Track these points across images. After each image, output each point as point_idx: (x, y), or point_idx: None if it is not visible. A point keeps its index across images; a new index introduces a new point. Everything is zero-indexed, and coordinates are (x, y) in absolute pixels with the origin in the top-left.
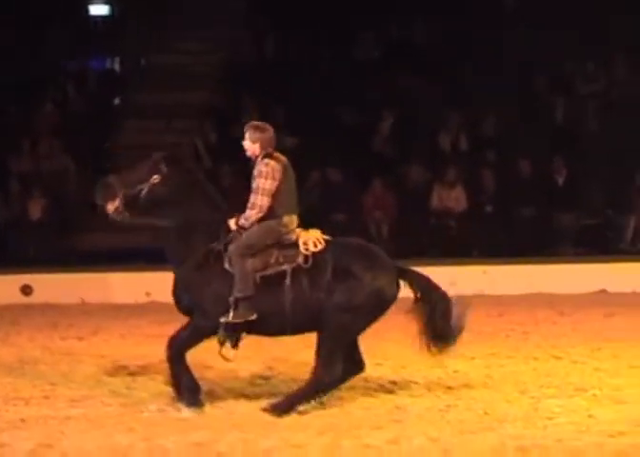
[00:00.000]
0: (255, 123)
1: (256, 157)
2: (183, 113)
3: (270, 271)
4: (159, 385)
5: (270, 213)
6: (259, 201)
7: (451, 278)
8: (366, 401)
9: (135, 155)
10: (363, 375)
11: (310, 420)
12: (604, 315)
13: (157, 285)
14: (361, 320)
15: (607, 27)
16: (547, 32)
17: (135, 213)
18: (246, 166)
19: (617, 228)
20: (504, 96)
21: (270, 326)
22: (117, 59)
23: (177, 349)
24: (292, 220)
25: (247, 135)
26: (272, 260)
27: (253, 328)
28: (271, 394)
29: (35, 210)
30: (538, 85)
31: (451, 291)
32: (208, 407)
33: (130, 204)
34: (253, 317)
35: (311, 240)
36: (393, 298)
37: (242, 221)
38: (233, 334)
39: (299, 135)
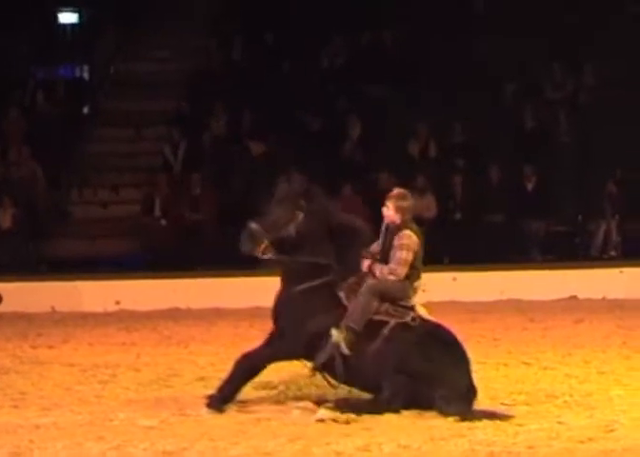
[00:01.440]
0: (398, 192)
1: (396, 224)
2: (152, 121)
3: (375, 318)
4: (129, 393)
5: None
6: (400, 271)
7: (422, 285)
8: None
9: (104, 163)
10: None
11: (279, 428)
12: (574, 321)
13: (127, 293)
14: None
15: (574, 32)
16: (515, 39)
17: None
18: (215, 173)
19: (587, 235)
20: (473, 103)
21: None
22: (86, 67)
23: (256, 363)
24: (420, 286)
25: (390, 203)
26: (382, 309)
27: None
28: (240, 402)
29: (5, 219)
30: (507, 91)
31: (422, 298)
32: (176, 416)
33: (278, 246)
34: (347, 352)
35: (426, 312)
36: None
37: (377, 273)
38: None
39: (267, 141)
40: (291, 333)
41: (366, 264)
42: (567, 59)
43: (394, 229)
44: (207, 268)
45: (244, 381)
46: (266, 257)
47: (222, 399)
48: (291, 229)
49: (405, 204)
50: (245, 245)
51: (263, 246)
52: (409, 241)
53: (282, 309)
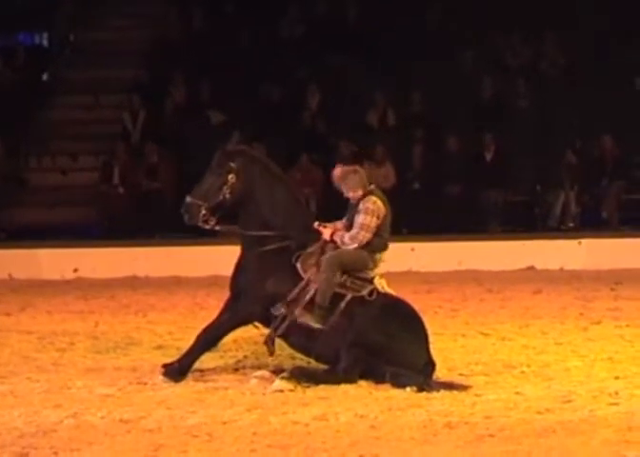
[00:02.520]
0: (339, 172)
1: (359, 198)
2: (111, 89)
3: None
4: (86, 361)
5: (365, 246)
6: (361, 236)
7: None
8: None
9: (63, 130)
10: (289, 352)
11: (237, 397)
12: (532, 292)
13: (85, 261)
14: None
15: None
16: (474, 7)
17: (223, 219)
18: (173, 144)
19: (546, 205)
20: (431, 72)
21: (302, 339)
22: (46, 34)
23: (215, 332)
24: (382, 258)
25: (342, 187)
26: (340, 281)
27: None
28: (198, 371)
29: None
30: (465, 60)
31: (381, 269)
32: (134, 385)
33: (217, 210)
34: (320, 326)
35: (385, 284)
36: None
37: (339, 240)
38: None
39: (226, 111)
40: (247, 294)
41: (327, 232)
42: (526, 27)
43: (358, 201)
44: (165, 236)
45: (203, 351)
46: (210, 227)
47: (180, 370)
48: (226, 192)
49: (353, 179)
50: (185, 218)
51: (201, 215)
52: (373, 206)
53: (238, 274)
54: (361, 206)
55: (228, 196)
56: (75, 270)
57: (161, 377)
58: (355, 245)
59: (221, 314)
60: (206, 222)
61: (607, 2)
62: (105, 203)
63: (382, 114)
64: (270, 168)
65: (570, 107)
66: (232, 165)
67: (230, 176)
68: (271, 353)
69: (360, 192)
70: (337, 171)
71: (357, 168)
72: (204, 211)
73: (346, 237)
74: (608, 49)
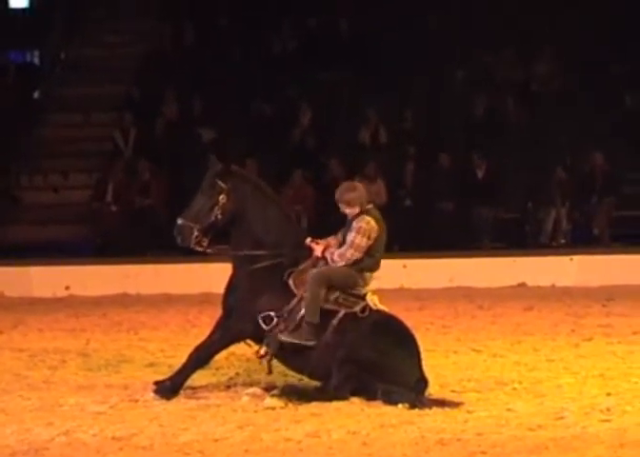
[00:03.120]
0: (342, 187)
1: (354, 216)
2: (102, 106)
3: (325, 306)
4: (78, 378)
5: (353, 264)
6: (349, 254)
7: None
8: None
9: (55, 148)
10: (281, 369)
11: (229, 414)
12: (523, 309)
13: (77, 279)
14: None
15: (526, 18)
16: (467, 25)
17: (215, 239)
18: (165, 161)
19: (537, 222)
20: (424, 89)
21: (294, 356)
22: (37, 52)
23: (207, 350)
24: (371, 278)
25: (340, 203)
26: (332, 297)
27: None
28: (190, 388)
29: None
30: (457, 78)
31: (373, 285)
32: (126, 402)
33: (209, 231)
34: (311, 343)
35: (377, 301)
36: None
37: (328, 257)
38: (275, 350)
39: (217, 128)
40: (239, 312)
41: (319, 249)
42: (518, 46)
43: (353, 218)
44: (156, 253)
45: (195, 369)
46: (203, 249)
47: (172, 388)
48: (217, 213)
49: (351, 195)
50: (178, 240)
51: (194, 237)
52: (366, 226)
53: (229, 292)
54: (354, 224)
55: (219, 217)
56: (67, 288)
57: (152, 394)
58: (343, 263)
59: (213, 332)
60: (198, 244)
61: (597, 19)
62: (97, 220)
63: (374, 131)
64: (261, 187)
65: (560, 124)
66: (223, 185)
67: (222, 197)
68: (270, 371)
69: (357, 210)
70: (342, 185)
71: (357, 185)
72: (196, 233)
73: (335, 254)
74: (598, 67)
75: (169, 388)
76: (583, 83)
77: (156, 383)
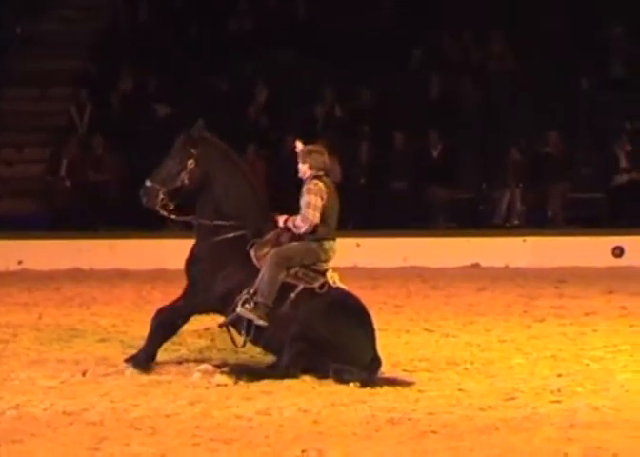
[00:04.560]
0: (310, 147)
1: (305, 178)
2: (58, 81)
3: (284, 279)
4: (30, 353)
5: (312, 234)
6: (310, 215)
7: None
8: None
9: (9, 122)
10: (234, 347)
11: (180, 390)
12: (476, 289)
13: (30, 253)
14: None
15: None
16: (423, 5)
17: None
18: (120, 137)
19: (491, 203)
20: (380, 68)
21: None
22: None
23: (167, 317)
24: (332, 247)
25: (306, 161)
26: (292, 271)
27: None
28: None
29: None
30: (414, 58)
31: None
32: (77, 377)
33: (176, 195)
34: (264, 324)
35: (338, 280)
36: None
37: (291, 224)
38: (240, 324)
39: (172, 104)
40: (204, 284)
41: (281, 220)
42: (474, 27)
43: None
44: (110, 229)
45: (164, 337)
46: (167, 214)
47: (146, 358)
48: (184, 178)
49: (317, 159)
50: (144, 201)
51: (159, 199)
52: (315, 187)
53: (194, 262)
54: (304, 188)
55: (186, 182)
56: (20, 262)
57: (131, 369)
58: (306, 226)
59: (177, 300)
60: (163, 207)
61: (554, 2)
62: (50, 195)
63: (329, 109)
64: (230, 157)
65: (516, 105)
66: (193, 151)
67: (190, 162)
68: (234, 342)
69: (311, 173)
70: (303, 146)
71: (324, 151)
72: (162, 195)
73: (297, 220)
74: (554, 49)
75: (143, 359)
76: (539, 65)
77: (127, 359)
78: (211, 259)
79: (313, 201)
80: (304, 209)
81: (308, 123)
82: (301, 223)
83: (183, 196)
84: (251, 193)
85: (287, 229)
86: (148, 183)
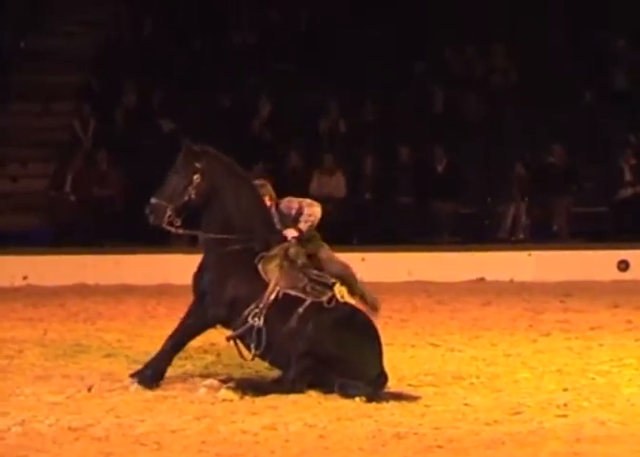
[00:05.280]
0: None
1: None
2: (62, 96)
3: (292, 293)
4: (35, 368)
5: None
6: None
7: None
8: None
9: (13, 137)
10: (239, 361)
11: (185, 406)
12: (481, 304)
13: (34, 268)
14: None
15: (485, 13)
16: (426, 19)
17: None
18: (124, 152)
19: (496, 217)
20: (384, 82)
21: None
22: None
23: (182, 336)
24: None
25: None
26: (300, 285)
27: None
28: None
29: None
30: (418, 71)
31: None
32: (83, 393)
33: (183, 211)
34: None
35: (346, 293)
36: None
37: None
38: (248, 338)
39: (176, 119)
40: (211, 296)
41: (290, 233)
42: (478, 41)
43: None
44: (114, 244)
45: (172, 356)
46: (175, 231)
47: (153, 376)
48: (191, 193)
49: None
50: (151, 220)
51: (167, 216)
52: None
53: (202, 275)
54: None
55: (193, 197)
56: (25, 278)
57: (136, 385)
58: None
59: (186, 317)
60: (171, 224)
61: (557, 16)
62: (55, 210)
63: (333, 124)
64: (235, 169)
65: (520, 120)
66: (197, 165)
67: (196, 177)
68: (241, 354)
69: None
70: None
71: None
72: (169, 213)
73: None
74: (557, 62)
75: (150, 377)
76: (541, 78)
77: (132, 375)
78: (219, 270)
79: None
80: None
81: (312, 137)
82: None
83: (190, 211)
84: (258, 206)
85: (298, 240)
86: (153, 200)
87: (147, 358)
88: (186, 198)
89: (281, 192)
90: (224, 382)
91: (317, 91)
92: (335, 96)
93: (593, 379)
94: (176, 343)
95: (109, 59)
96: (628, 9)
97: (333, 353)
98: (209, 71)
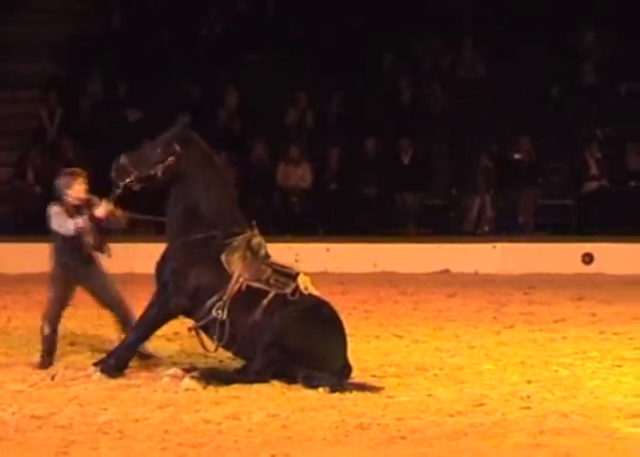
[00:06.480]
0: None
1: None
2: (28, 84)
3: (255, 285)
4: None
5: None
6: None
7: (295, 255)
8: None
9: None
10: (202, 351)
11: (149, 394)
12: (446, 295)
13: None
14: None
15: (454, 5)
16: (394, 9)
17: (147, 191)
18: (90, 141)
19: (461, 209)
20: (351, 74)
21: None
22: None
23: (146, 328)
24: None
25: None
26: (264, 277)
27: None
28: None
29: None
30: (385, 63)
31: (295, 269)
32: (46, 381)
33: (144, 183)
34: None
35: (310, 284)
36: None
37: None
38: (211, 329)
39: (143, 109)
40: (174, 285)
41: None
42: (444, 32)
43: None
44: None
45: (136, 346)
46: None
47: (117, 366)
48: (158, 170)
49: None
50: (113, 175)
51: (128, 180)
52: None
53: (164, 263)
54: None
55: (159, 174)
56: None
57: (98, 374)
58: None
59: (149, 308)
60: (129, 188)
61: (525, 7)
62: (19, 199)
63: (301, 115)
64: (212, 162)
65: (486, 111)
66: (177, 148)
67: (170, 159)
68: (203, 345)
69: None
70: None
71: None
72: (131, 178)
73: None
74: (524, 55)
75: (113, 367)
76: (508, 71)
77: (96, 363)
78: (182, 257)
79: None
80: None
81: (278, 128)
82: None
83: (149, 186)
84: (227, 201)
85: None
86: (122, 160)
87: (111, 347)
88: (151, 172)
89: (246, 183)
90: (187, 371)
91: (285, 82)
92: (303, 87)
93: (557, 371)
94: (140, 335)
95: (76, 48)
96: (596, 3)
97: (299, 345)
98: (176, 61)
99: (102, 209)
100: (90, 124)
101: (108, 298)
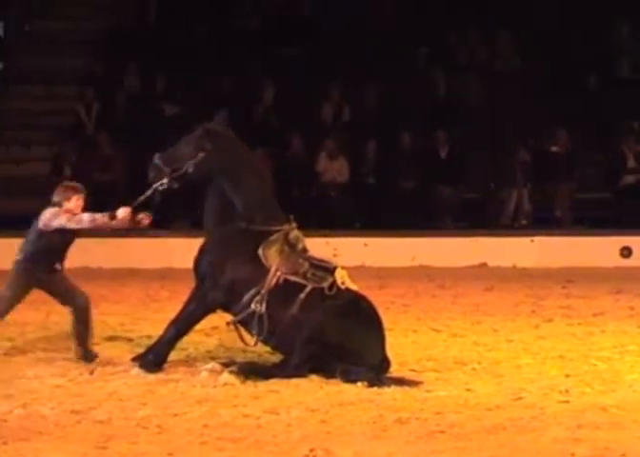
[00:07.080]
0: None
1: None
2: (66, 79)
3: (293, 279)
4: (37, 351)
5: None
6: None
7: (333, 250)
8: None
9: (17, 120)
10: (241, 345)
11: (187, 389)
12: (484, 289)
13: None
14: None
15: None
16: (429, 3)
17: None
18: (127, 136)
19: (499, 203)
20: (387, 67)
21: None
22: (1, 24)
23: (185, 323)
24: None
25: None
26: (301, 271)
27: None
28: None
29: None
30: (420, 57)
31: (332, 263)
32: (85, 375)
33: (177, 181)
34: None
35: (347, 278)
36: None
37: None
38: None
39: (180, 104)
40: (210, 279)
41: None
42: (481, 26)
43: None
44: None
45: (175, 342)
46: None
47: (155, 361)
48: (189, 166)
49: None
50: (150, 176)
51: (164, 179)
52: None
53: (202, 256)
54: None
55: (190, 170)
56: None
57: (137, 369)
58: None
59: (188, 303)
60: (167, 187)
61: (562, 1)
62: None
63: (337, 109)
64: (245, 156)
65: (523, 105)
66: (208, 145)
67: (201, 154)
68: (242, 339)
69: None
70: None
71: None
72: (167, 178)
73: None
74: (561, 47)
75: (152, 362)
76: (545, 63)
77: (134, 359)
78: (219, 251)
79: None
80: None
81: (315, 122)
82: None
83: (183, 184)
84: (262, 193)
85: None
86: (156, 160)
87: (149, 342)
88: (183, 170)
89: (284, 177)
90: (226, 365)
91: (320, 76)
92: (338, 81)
93: (595, 365)
94: (179, 330)
95: (112, 43)
96: None
97: (338, 340)
98: (212, 56)
99: (123, 212)
100: (127, 119)
101: (68, 298)
